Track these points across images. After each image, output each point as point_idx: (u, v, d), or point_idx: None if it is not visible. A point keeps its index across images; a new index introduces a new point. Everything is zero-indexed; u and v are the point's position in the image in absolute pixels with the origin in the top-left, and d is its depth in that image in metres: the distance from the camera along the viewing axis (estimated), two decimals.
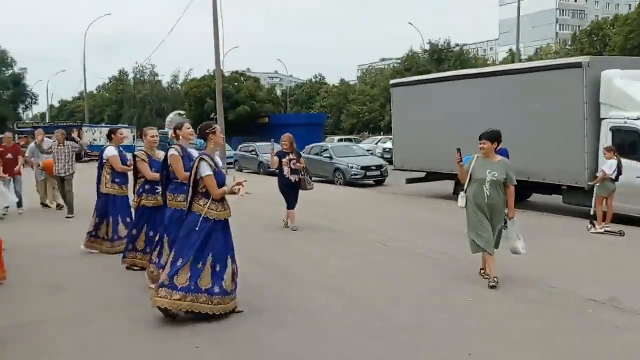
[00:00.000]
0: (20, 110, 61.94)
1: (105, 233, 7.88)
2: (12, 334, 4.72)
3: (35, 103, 63.20)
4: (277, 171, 9.76)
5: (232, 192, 5.24)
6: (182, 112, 47.41)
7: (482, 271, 6.44)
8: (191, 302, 4.95)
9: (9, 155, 11.36)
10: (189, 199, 5.22)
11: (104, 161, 7.83)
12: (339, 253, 7.93)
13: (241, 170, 25.36)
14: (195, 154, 5.78)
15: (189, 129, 6.48)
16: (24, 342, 4.62)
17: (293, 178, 9.58)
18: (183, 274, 4.97)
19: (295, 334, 4.81)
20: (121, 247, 7.47)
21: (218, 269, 5.09)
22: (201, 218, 5.07)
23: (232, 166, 25.04)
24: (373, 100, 52.79)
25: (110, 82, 67.83)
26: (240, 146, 27.42)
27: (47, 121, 60.12)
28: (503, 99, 12.06)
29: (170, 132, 6.84)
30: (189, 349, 4.50)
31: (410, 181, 15.44)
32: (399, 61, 54.25)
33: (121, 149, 8.06)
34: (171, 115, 51.18)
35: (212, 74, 35.78)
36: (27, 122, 55.39)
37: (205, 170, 5.09)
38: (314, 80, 71.78)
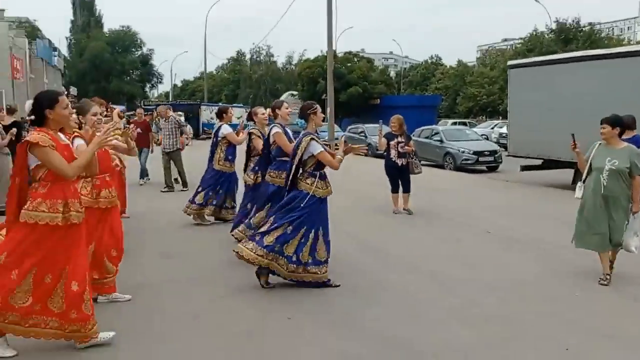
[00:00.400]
0: (147, 89, 66.41)
1: (203, 200, 8.18)
2: (128, 294, 5.03)
3: (160, 82, 67.53)
4: (385, 153, 9.50)
5: (347, 152, 5.35)
6: (295, 93, 48.30)
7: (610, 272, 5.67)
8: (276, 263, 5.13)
9: (139, 130, 12.17)
10: (291, 176, 5.31)
11: (219, 139, 8.07)
12: (439, 238, 7.70)
13: None
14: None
15: (287, 108, 6.59)
16: (136, 303, 4.92)
17: (399, 161, 9.25)
18: (291, 245, 5.12)
19: (389, 315, 4.74)
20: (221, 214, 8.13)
21: (314, 241, 5.20)
22: (309, 196, 5.16)
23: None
24: (492, 82, 50.19)
25: (229, 62, 70.53)
26: (349, 127, 27.40)
27: (170, 99, 63.94)
28: (637, 82, 10.90)
29: (268, 111, 6.94)
30: (282, 319, 4.59)
31: (525, 168, 14.55)
32: (521, 41, 51.28)
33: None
34: (284, 96, 52.36)
35: (325, 55, 36.00)
36: (152, 100, 59.31)
37: (317, 148, 5.19)
38: (429, 61, 70.04)
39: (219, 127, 8.17)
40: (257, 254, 5.07)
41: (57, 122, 3.83)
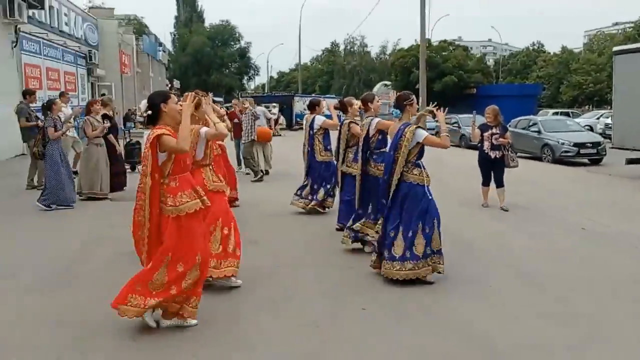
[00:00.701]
0: (245, 81, 68.50)
1: (307, 193, 8.36)
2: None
3: (257, 74, 69.44)
4: (478, 145, 9.16)
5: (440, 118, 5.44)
6: (388, 83, 47.95)
7: None
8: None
9: (235, 120, 12.71)
10: (397, 169, 5.25)
11: (315, 131, 8.20)
12: (529, 232, 7.41)
13: None
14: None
15: (378, 101, 6.57)
16: (221, 288, 5.07)
17: (493, 154, 8.83)
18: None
19: (470, 310, 4.64)
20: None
21: (426, 231, 5.19)
22: (426, 187, 5.22)
23: None
24: (599, 69, 47.07)
25: (323, 53, 71.17)
26: None
27: (266, 91, 65.62)
28: None
29: (359, 104, 6.94)
30: (356, 309, 4.62)
31: (631, 161, 13.56)
32: (632, 25, 47.71)
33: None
34: (377, 86, 52.11)
35: (419, 44, 35.44)
36: (248, 91, 61.14)
37: (422, 134, 5.18)
38: (530, 48, 66.90)
39: (313, 119, 8.22)
40: (407, 270, 5.10)
41: (171, 116, 4.13)
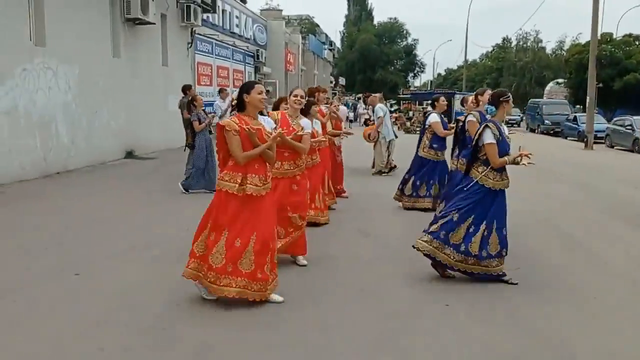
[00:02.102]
0: (410, 78, 68.34)
1: (408, 189, 8.45)
2: (313, 265, 5.63)
3: (422, 71, 68.75)
4: None
5: (514, 162, 5.07)
6: (560, 81, 44.73)
7: None
8: (459, 261, 5.08)
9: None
10: (467, 163, 5.33)
11: (426, 127, 8.29)
12: None
13: (612, 147, 22.76)
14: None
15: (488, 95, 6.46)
16: (313, 272, 5.45)
17: None
18: (457, 234, 5.06)
19: (563, 317, 4.41)
20: (422, 204, 8.26)
21: (485, 234, 5.04)
22: (473, 183, 5.08)
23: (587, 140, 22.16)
24: None
25: (493, 49, 68.29)
26: (614, 119, 24.47)
27: (429, 88, 64.82)
28: None
29: (472, 98, 6.90)
30: (439, 305, 4.64)
31: None
32: None
33: (442, 115, 8.39)
34: (550, 85, 48.91)
35: (599, 38, 32.55)
36: (412, 88, 60.89)
37: (488, 138, 5.03)
38: None
39: (428, 115, 8.33)
40: (422, 240, 5.14)
41: (253, 105, 4.48)
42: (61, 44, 11.65)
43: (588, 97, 21.59)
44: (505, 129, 5.26)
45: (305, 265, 5.58)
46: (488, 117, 5.97)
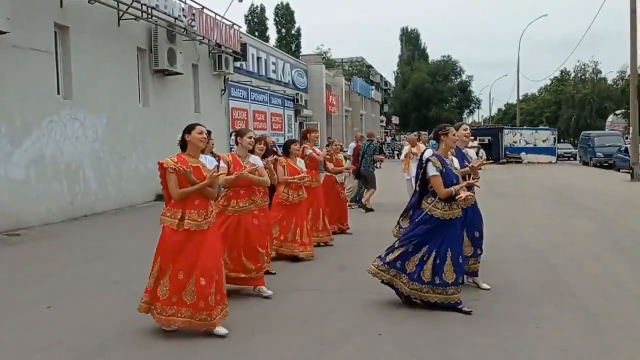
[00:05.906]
0: (465, 115, 67.70)
1: (405, 222, 8.38)
2: (275, 296, 5.82)
3: (478, 107, 68.09)
4: None
5: (457, 194, 5.17)
6: (618, 112, 43.15)
7: None
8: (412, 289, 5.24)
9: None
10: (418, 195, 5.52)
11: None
12: None
13: None
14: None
15: (465, 129, 6.41)
16: (277, 303, 5.62)
17: None
18: (412, 262, 5.23)
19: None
20: None
21: (438, 261, 5.16)
22: (423, 214, 5.25)
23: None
24: None
25: (552, 82, 66.82)
26: None
27: (484, 124, 63.89)
28: None
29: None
30: (372, 334, 4.64)
31: None
32: None
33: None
34: (611, 116, 47.31)
35: None
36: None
37: (431, 171, 5.24)
38: None
39: (424, 151, 8.21)
40: (379, 269, 5.33)
41: (193, 144, 4.83)
42: (89, 96, 12.56)
43: (631, 127, 20.83)
44: (455, 161, 5.50)
45: (269, 297, 5.76)
46: (431, 151, 6.06)
